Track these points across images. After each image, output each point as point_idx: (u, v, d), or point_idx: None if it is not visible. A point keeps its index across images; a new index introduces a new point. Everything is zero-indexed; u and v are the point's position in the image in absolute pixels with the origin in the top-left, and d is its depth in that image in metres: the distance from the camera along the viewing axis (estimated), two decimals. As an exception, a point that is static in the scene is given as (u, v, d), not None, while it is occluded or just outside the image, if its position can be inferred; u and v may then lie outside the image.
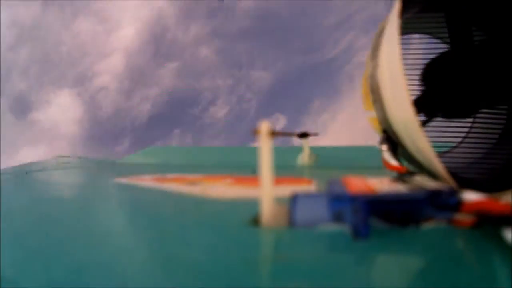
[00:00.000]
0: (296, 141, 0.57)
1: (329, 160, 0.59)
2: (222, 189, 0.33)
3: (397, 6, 0.27)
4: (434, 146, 0.27)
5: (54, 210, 0.30)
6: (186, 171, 0.47)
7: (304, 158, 0.52)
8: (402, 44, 0.27)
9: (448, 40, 0.35)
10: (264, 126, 0.22)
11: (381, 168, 0.36)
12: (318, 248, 0.21)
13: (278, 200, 0.23)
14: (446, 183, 0.27)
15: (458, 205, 0.23)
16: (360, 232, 0.21)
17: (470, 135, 0.41)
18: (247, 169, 0.40)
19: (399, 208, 0.23)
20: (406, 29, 0.28)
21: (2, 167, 0.65)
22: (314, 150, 0.59)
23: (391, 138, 0.34)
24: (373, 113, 0.36)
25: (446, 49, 0.36)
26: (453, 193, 0.24)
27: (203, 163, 0.67)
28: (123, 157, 0.75)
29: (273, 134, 0.22)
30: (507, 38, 0.34)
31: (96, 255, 0.21)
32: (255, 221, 0.23)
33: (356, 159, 0.65)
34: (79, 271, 0.19)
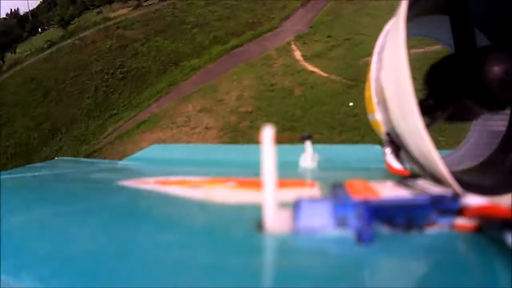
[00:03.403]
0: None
1: (331, 162, 0.59)
2: (225, 192, 0.33)
3: (402, 8, 0.27)
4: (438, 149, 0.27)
5: (55, 213, 0.31)
6: (189, 173, 0.48)
7: (306, 160, 0.52)
8: (407, 46, 0.26)
9: (452, 43, 0.34)
10: (268, 131, 0.22)
11: (384, 169, 0.36)
12: (322, 253, 0.21)
13: (282, 205, 0.23)
14: (449, 187, 0.27)
15: (461, 210, 0.23)
16: (363, 237, 0.21)
17: (473, 138, 0.41)
18: (250, 170, 0.40)
19: (402, 213, 0.23)
20: (411, 30, 0.28)
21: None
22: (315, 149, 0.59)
23: (394, 141, 0.34)
24: (376, 116, 0.36)
25: (450, 52, 0.36)
26: (456, 197, 0.24)
27: (207, 164, 0.67)
28: (123, 159, 0.75)
29: (277, 139, 0.22)
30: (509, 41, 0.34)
31: (98, 258, 0.21)
32: (258, 226, 0.23)
33: (358, 159, 0.65)
34: (80, 274, 0.19)
